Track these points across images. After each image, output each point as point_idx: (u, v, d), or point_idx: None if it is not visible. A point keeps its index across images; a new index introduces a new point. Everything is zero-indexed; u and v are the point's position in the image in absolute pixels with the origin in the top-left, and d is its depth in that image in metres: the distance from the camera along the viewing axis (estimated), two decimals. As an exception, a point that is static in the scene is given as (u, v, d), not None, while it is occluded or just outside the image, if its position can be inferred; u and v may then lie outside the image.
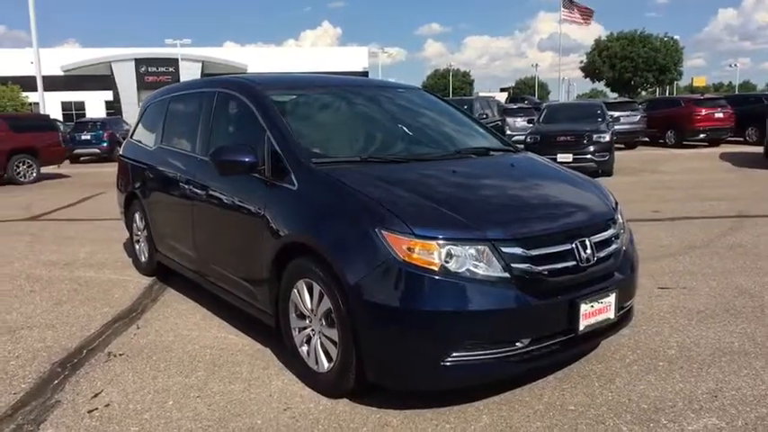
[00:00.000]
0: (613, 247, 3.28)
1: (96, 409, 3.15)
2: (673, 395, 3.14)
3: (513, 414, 2.99)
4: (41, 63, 25.35)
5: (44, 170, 16.09)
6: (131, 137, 6.14)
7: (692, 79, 77.66)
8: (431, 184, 3.35)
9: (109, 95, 52.30)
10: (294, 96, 4.25)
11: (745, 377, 3.33)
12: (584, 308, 3.00)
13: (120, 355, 3.87)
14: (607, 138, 12.99)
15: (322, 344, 3.21)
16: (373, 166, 3.53)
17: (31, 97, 35.10)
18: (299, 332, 3.38)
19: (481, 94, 45.87)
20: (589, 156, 12.75)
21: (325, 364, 3.19)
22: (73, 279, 5.75)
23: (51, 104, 35.13)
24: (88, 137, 22.27)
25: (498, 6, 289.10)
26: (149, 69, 51.68)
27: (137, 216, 5.71)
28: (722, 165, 14.90)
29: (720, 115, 20.20)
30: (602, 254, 3.16)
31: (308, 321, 3.31)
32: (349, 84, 4.80)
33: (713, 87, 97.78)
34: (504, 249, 2.85)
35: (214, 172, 3.75)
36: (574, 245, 3.04)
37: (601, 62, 59.47)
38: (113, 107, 50.37)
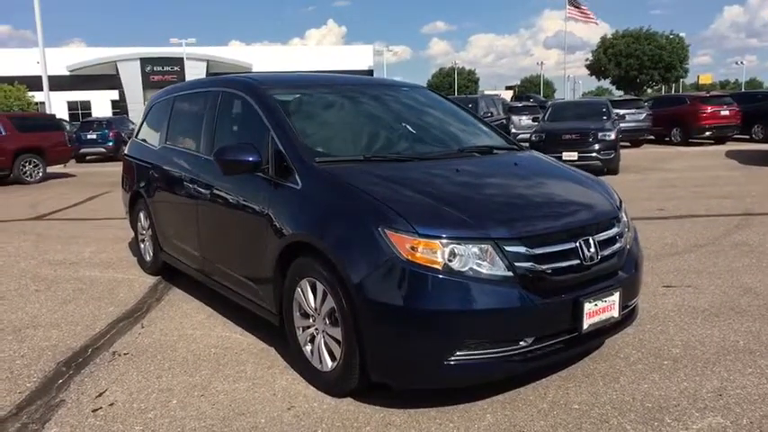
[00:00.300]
0: (617, 245, 3.27)
1: (101, 408, 3.16)
2: (677, 394, 3.13)
3: (516, 413, 2.99)
4: (47, 63, 25.50)
5: (50, 169, 16.15)
6: (136, 136, 6.16)
7: (698, 77, 77.24)
8: (434, 182, 3.35)
9: (115, 95, 52.42)
10: (298, 95, 4.25)
11: (751, 375, 3.31)
12: (588, 306, 3.00)
13: (125, 354, 3.88)
14: (612, 136, 12.95)
15: (326, 343, 3.21)
16: (377, 165, 3.53)
17: (38, 97, 35.24)
18: (303, 331, 3.39)
19: (486, 93, 45.82)
20: (594, 154, 12.73)
21: (329, 363, 3.19)
22: (78, 278, 5.77)
23: (57, 104, 35.24)
24: (94, 136, 22.38)
25: (504, 4, 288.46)
26: (155, 69, 51.71)
27: (141, 215, 5.73)
28: (728, 162, 14.84)
29: (726, 113, 20.13)
30: (605, 252, 3.16)
31: (311, 320, 3.31)
32: (352, 83, 4.80)
33: (719, 85, 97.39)
34: (508, 248, 2.85)
35: (218, 171, 3.76)
36: (577, 243, 3.03)
37: (606, 60, 59.32)
38: (119, 106, 50.46)
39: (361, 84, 4.89)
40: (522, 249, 2.87)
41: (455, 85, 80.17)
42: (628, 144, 19.52)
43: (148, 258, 5.75)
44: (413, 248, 2.79)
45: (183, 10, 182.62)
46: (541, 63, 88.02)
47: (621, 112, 18.79)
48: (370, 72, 58.46)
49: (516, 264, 2.84)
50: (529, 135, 14.72)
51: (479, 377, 2.96)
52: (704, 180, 11.62)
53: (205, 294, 4.91)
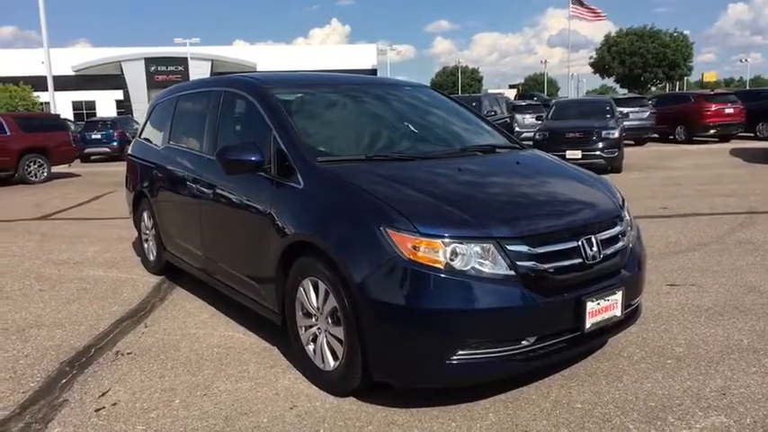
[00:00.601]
0: (620, 244, 3.26)
1: (103, 407, 3.17)
2: (680, 393, 3.12)
3: (519, 412, 2.98)
4: (52, 63, 25.56)
5: (55, 169, 16.20)
6: (139, 136, 6.18)
7: (703, 74, 77.05)
8: (436, 182, 3.35)
9: (119, 95, 52.57)
10: (300, 95, 4.25)
11: (755, 374, 3.30)
12: (591, 305, 2.99)
13: (128, 353, 3.89)
14: (616, 134, 12.91)
15: (328, 342, 3.21)
16: (378, 164, 3.52)
17: (43, 97, 35.32)
18: (306, 330, 3.39)
19: (490, 91, 45.77)
20: (598, 152, 12.70)
21: (332, 363, 3.19)
22: (82, 278, 5.78)
23: (62, 104, 35.40)
24: (98, 136, 22.45)
25: (507, 3, 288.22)
26: (159, 68, 51.84)
27: (145, 215, 5.74)
28: (732, 161, 14.79)
29: (731, 111, 20.07)
30: (608, 251, 3.15)
31: (314, 320, 3.31)
32: (354, 82, 4.79)
33: (724, 83, 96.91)
34: (510, 247, 2.84)
35: (221, 171, 3.76)
36: (580, 242, 3.02)
37: (610, 58, 59.16)
38: (124, 106, 50.62)
39: (364, 83, 4.88)
40: (524, 248, 2.86)
41: (459, 84, 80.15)
42: (632, 142, 19.47)
43: (152, 258, 5.76)
44: (415, 248, 2.78)
45: (187, 10, 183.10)
46: (545, 61, 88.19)
47: (625, 110, 18.74)
48: (373, 71, 58.49)
49: (518, 263, 2.84)
50: (532, 133, 14.70)
51: (481, 376, 2.95)
52: (708, 178, 11.58)
53: (208, 294, 4.91)
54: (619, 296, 3.13)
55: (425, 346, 2.82)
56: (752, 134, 20.87)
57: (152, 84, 49.88)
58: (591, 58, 63.36)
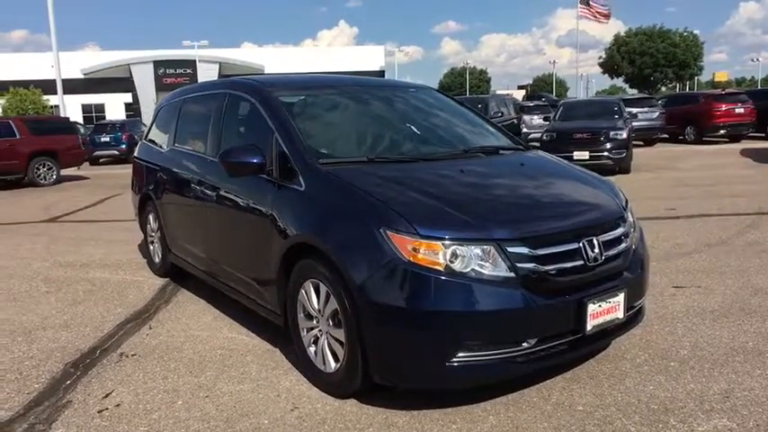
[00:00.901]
0: (622, 245, 3.24)
1: (107, 409, 3.19)
2: (683, 396, 3.10)
3: (520, 415, 2.97)
4: (62, 66, 25.73)
5: (64, 172, 16.32)
6: (145, 138, 6.21)
7: (714, 74, 76.63)
8: (437, 183, 3.34)
9: (128, 97, 52.82)
10: (302, 97, 4.26)
11: (759, 377, 3.27)
12: (592, 307, 2.98)
13: (132, 355, 3.91)
14: (624, 135, 12.85)
15: (329, 344, 3.22)
16: (380, 166, 3.53)
17: (52, 100, 35.55)
18: (307, 332, 3.39)
19: (498, 92, 45.68)
20: (606, 153, 12.63)
21: (333, 365, 3.20)
22: (88, 280, 5.82)
23: (72, 107, 35.61)
24: (107, 139, 22.63)
25: (515, 3, 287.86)
26: (167, 71, 52.06)
27: (150, 217, 5.77)
28: (743, 161, 14.69)
29: (741, 111, 19.92)
30: (610, 253, 3.13)
31: (315, 322, 3.32)
32: (358, 84, 4.80)
33: (735, 82, 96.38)
34: (510, 249, 2.83)
35: (224, 173, 3.77)
36: (581, 244, 3.01)
37: (620, 58, 58.81)
38: (132, 109, 50.87)
39: (367, 85, 4.88)
40: (524, 250, 2.85)
41: (467, 85, 80.00)
42: (641, 143, 19.38)
43: (157, 260, 5.79)
44: (414, 250, 2.78)
45: (195, 12, 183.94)
46: (554, 62, 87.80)
47: (634, 110, 18.66)
48: (381, 73, 58.48)
49: (519, 264, 2.83)
50: (540, 134, 14.65)
51: (482, 378, 2.95)
52: (717, 179, 11.51)
53: (212, 296, 4.93)
54: (621, 298, 3.12)
55: (426, 347, 2.81)
56: (763, 134, 20.68)
57: (161, 86, 50.07)
58: (600, 58, 63.05)
